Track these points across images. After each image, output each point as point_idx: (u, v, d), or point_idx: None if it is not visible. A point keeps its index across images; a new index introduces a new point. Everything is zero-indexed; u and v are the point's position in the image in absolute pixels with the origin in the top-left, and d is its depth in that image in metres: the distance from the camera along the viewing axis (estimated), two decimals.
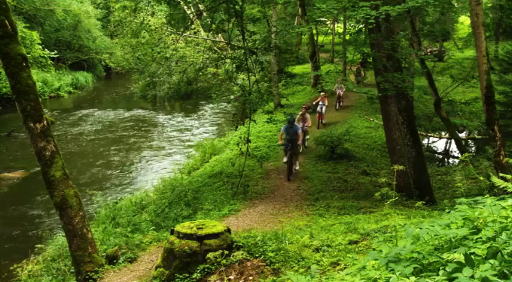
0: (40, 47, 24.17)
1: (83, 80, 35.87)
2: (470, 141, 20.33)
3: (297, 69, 30.12)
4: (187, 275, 5.59)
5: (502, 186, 3.56)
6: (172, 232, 6.09)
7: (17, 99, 6.82)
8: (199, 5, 18.25)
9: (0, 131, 21.66)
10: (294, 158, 12.39)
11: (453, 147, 18.95)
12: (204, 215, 10.04)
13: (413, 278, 2.27)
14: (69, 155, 17.88)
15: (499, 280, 2.08)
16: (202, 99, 28.26)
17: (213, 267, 5.55)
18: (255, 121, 12.81)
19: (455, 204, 3.34)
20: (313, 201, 10.51)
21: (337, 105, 20.70)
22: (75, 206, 7.14)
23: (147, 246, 8.03)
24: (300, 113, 14.65)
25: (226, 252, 4.79)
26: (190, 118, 25.71)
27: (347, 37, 22.18)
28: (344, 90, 20.06)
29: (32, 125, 6.82)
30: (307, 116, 14.56)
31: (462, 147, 16.61)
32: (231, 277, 5.36)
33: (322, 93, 18.04)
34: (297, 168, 12.63)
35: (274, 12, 21.42)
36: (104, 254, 7.72)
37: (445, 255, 2.45)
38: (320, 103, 17.82)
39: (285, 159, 12.67)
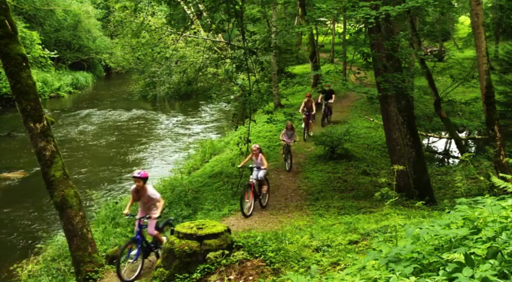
0: (40, 47, 24.13)
1: (83, 80, 35.86)
2: (470, 141, 20.33)
3: (297, 69, 30.11)
4: (187, 275, 5.59)
5: (502, 186, 3.56)
6: (172, 232, 6.09)
7: (17, 99, 6.82)
8: (199, 5, 18.25)
9: (0, 131, 21.65)
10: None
11: (453, 147, 18.95)
12: (204, 215, 10.04)
13: (413, 278, 2.27)
14: (69, 155, 17.87)
15: (499, 280, 2.08)
16: (202, 99, 28.26)
17: (213, 267, 5.55)
18: (255, 121, 12.81)
19: (455, 204, 3.34)
20: (313, 201, 10.51)
21: (286, 165, 13.09)
22: (75, 206, 7.14)
23: None
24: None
25: (226, 252, 4.79)
26: (190, 118, 25.71)
27: (347, 37, 22.17)
28: (295, 140, 13.11)
29: (32, 125, 6.82)
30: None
31: (462, 147, 16.61)
32: (231, 277, 5.36)
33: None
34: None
35: (274, 12, 21.42)
36: (104, 254, 7.73)
37: (445, 255, 2.45)
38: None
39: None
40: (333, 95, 17.86)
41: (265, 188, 10.15)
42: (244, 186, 9.81)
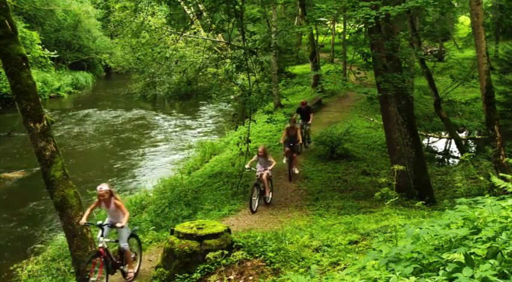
0: (40, 47, 24.13)
1: (83, 80, 35.87)
2: (470, 141, 20.33)
3: (297, 69, 30.12)
4: (187, 275, 5.59)
5: (502, 186, 3.56)
6: (172, 232, 6.09)
7: (17, 99, 6.82)
8: (199, 5, 18.24)
9: (0, 131, 21.65)
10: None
11: (453, 147, 18.95)
12: (204, 215, 10.04)
13: (413, 278, 2.27)
14: (69, 155, 17.87)
15: (499, 280, 2.08)
16: (202, 99, 28.27)
17: (213, 267, 5.55)
18: (255, 121, 12.80)
19: (455, 204, 3.34)
20: (313, 201, 10.50)
21: (253, 203, 9.87)
22: (75, 206, 7.15)
23: (147, 246, 8.04)
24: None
25: (226, 252, 4.79)
26: (190, 118, 25.71)
27: (347, 37, 22.16)
28: (270, 168, 10.26)
29: (32, 125, 6.82)
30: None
31: (462, 147, 16.62)
32: (231, 277, 5.36)
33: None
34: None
35: (274, 12, 21.42)
36: None
37: (445, 255, 2.45)
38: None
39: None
40: (311, 115, 14.56)
41: (129, 257, 6.60)
42: (92, 255, 6.33)
